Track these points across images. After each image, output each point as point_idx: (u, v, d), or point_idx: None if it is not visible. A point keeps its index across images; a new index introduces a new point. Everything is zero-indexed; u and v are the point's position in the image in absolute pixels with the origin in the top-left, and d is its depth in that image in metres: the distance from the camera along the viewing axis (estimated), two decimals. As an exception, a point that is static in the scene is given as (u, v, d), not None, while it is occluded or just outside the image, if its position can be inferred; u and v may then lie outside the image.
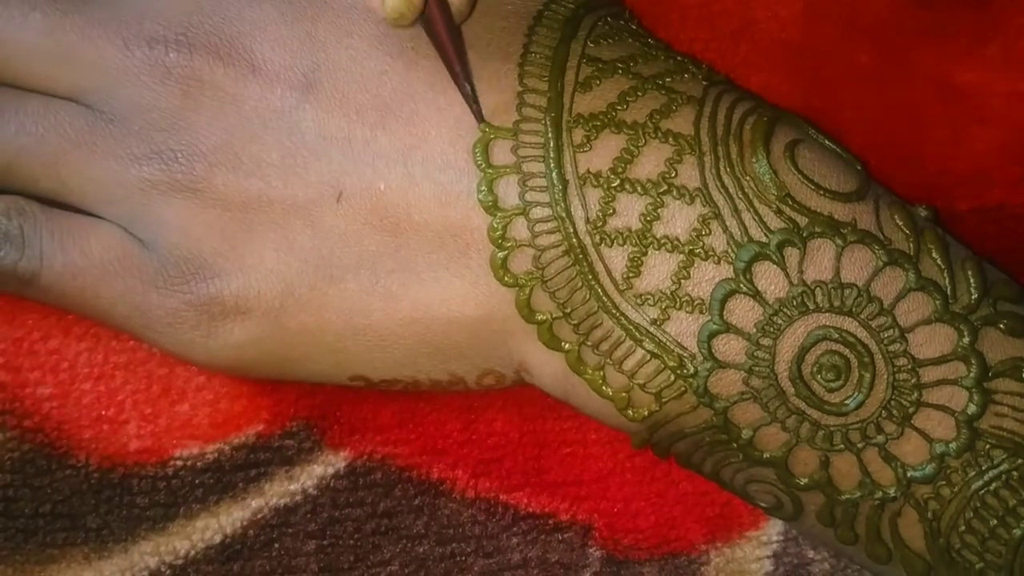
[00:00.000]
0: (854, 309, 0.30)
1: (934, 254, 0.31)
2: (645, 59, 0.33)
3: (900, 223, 0.32)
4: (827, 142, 0.33)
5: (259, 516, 0.35)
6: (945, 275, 0.31)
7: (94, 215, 0.33)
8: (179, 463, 0.35)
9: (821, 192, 0.31)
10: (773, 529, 0.36)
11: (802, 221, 0.31)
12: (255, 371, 0.34)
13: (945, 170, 0.37)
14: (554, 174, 0.31)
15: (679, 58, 0.33)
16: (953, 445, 0.30)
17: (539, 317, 0.32)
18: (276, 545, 0.35)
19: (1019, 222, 0.37)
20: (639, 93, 0.32)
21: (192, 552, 0.35)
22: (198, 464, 0.36)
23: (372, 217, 0.32)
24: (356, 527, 0.36)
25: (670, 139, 0.31)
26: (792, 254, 0.31)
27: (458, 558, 0.36)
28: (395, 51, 0.32)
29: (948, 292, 0.31)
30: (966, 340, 0.30)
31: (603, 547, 0.36)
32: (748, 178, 0.31)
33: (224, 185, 0.32)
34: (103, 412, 0.35)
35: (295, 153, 0.32)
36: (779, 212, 0.31)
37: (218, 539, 0.35)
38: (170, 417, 0.36)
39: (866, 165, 0.33)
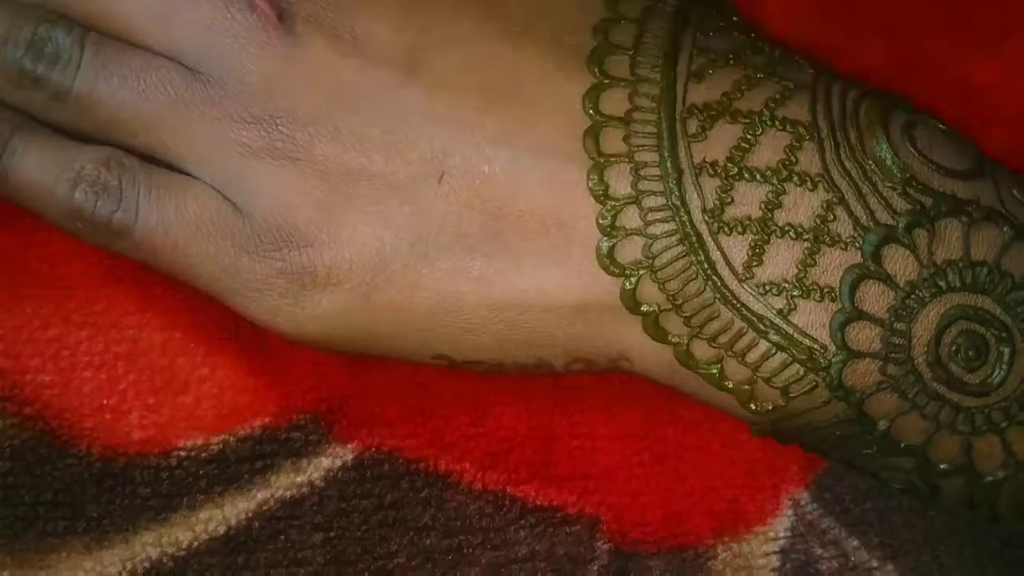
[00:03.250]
0: (987, 286, 0.30)
1: None
2: (754, 50, 0.33)
3: (1020, 197, 0.32)
4: (938, 124, 0.33)
5: (265, 508, 0.35)
6: None
7: (191, 175, 0.33)
8: (182, 454, 0.35)
9: (943, 172, 0.31)
10: (781, 525, 0.36)
11: (927, 202, 0.30)
12: (338, 345, 0.34)
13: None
14: (668, 163, 0.31)
15: (784, 50, 0.33)
16: None
17: (645, 308, 0.31)
18: (282, 537, 0.35)
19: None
20: (752, 83, 0.32)
21: (195, 543, 0.34)
22: (202, 455, 0.35)
23: (474, 200, 0.31)
24: (363, 519, 0.35)
25: (787, 127, 0.31)
26: (921, 235, 0.30)
27: (465, 550, 0.36)
28: (504, 33, 0.32)
29: None
30: None
31: (611, 540, 0.36)
32: (870, 162, 0.31)
33: (324, 156, 0.32)
34: (105, 401, 0.35)
35: (397, 130, 0.31)
36: (904, 194, 0.30)
37: (222, 531, 0.35)
38: (173, 408, 0.35)
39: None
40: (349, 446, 0.36)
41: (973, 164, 0.32)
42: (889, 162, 0.31)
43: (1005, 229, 0.31)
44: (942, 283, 0.30)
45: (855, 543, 0.36)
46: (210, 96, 0.32)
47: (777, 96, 0.32)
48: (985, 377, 0.30)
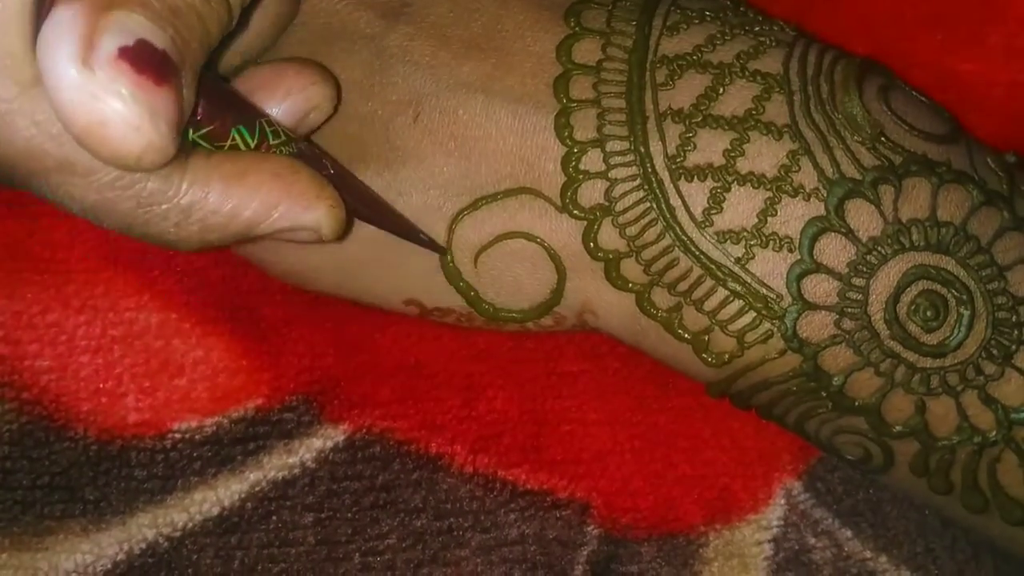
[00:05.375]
0: (951, 247, 0.30)
1: None
2: (735, 12, 0.32)
3: (993, 165, 0.31)
4: (914, 92, 0.32)
5: (257, 489, 0.35)
6: None
7: None
8: (177, 436, 0.35)
9: (915, 133, 0.31)
10: (773, 514, 0.36)
11: (896, 159, 0.30)
12: (316, 280, 0.34)
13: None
14: (634, 108, 0.31)
15: (766, 14, 0.33)
16: None
17: (605, 253, 0.31)
18: (274, 518, 0.35)
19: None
20: (726, 37, 0.31)
21: (190, 524, 0.35)
22: (196, 437, 0.35)
23: (447, 141, 0.32)
24: (354, 500, 0.36)
25: (758, 78, 0.31)
26: (887, 192, 0.30)
27: (455, 533, 0.36)
28: None
29: None
30: None
31: (601, 525, 0.36)
32: (840, 116, 0.30)
33: None
34: (101, 385, 0.35)
35: (378, 72, 0.32)
36: (873, 149, 0.30)
37: (216, 512, 0.35)
38: (168, 391, 0.36)
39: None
40: (341, 427, 0.36)
41: (947, 131, 0.31)
42: (860, 118, 0.30)
43: (974, 193, 0.30)
44: (905, 241, 0.30)
45: (848, 534, 0.35)
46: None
47: (750, 50, 0.31)
48: (943, 338, 0.30)
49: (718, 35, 0.31)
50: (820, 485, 0.35)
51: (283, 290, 0.36)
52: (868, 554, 0.35)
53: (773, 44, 0.31)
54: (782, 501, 0.36)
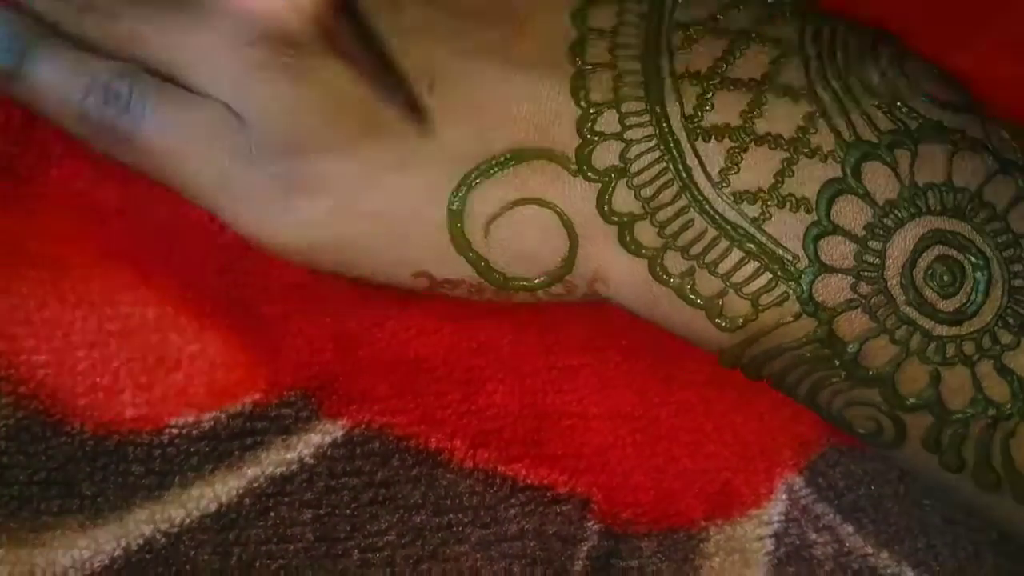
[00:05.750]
0: (968, 213, 0.30)
1: None
2: None
3: (1006, 135, 0.31)
4: (927, 62, 0.33)
5: (255, 485, 0.35)
6: None
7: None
8: (175, 431, 0.35)
9: (930, 100, 0.31)
10: (775, 510, 0.35)
11: (912, 124, 0.30)
12: (320, 257, 0.34)
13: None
14: (650, 70, 0.31)
15: None
16: None
17: (619, 216, 0.31)
18: (272, 514, 0.35)
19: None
20: (740, 6, 0.31)
21: (187, 520, 0.35)
22: (194, 432, 0.35)
23: (462, 108, 0.32)
24: (353, 496, 0.35)
25: (774, 44, 0.31)
26: (903, 155, 0.30)
27: (455, 528, 0.36)
28: None
29: None
30: None
31: (601, 520, 0.36)
32: (856, 80, 0.30)
33: (325, 67, 0.32)
34: (98, 380, 0.35)
35: (396, 39, 0.32)
36: (889, 113, 0.30)
37: (213, 508, 0.35)
38: (165, 386, 0.35)
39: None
40: (339, 422, 0.36)
41: (962, 101, 0.31)
42: (876, 82, 0.30)
43: (989, 161, 0.30)
44: (921, 204, 0.30)
45: (849, 529, 0.35)
46: (224, 18, 0.33)
47: (765, 17, 0.31)
48: (960, 305, 0.30)
49: (731, 3, 0.32)
50: (822, 480, 0.35)
51: (281, 284, 0.36)
52: (869, 550, 0.35)
53: (787, 13, 0.32)
54: (783, 496, 0.35)
